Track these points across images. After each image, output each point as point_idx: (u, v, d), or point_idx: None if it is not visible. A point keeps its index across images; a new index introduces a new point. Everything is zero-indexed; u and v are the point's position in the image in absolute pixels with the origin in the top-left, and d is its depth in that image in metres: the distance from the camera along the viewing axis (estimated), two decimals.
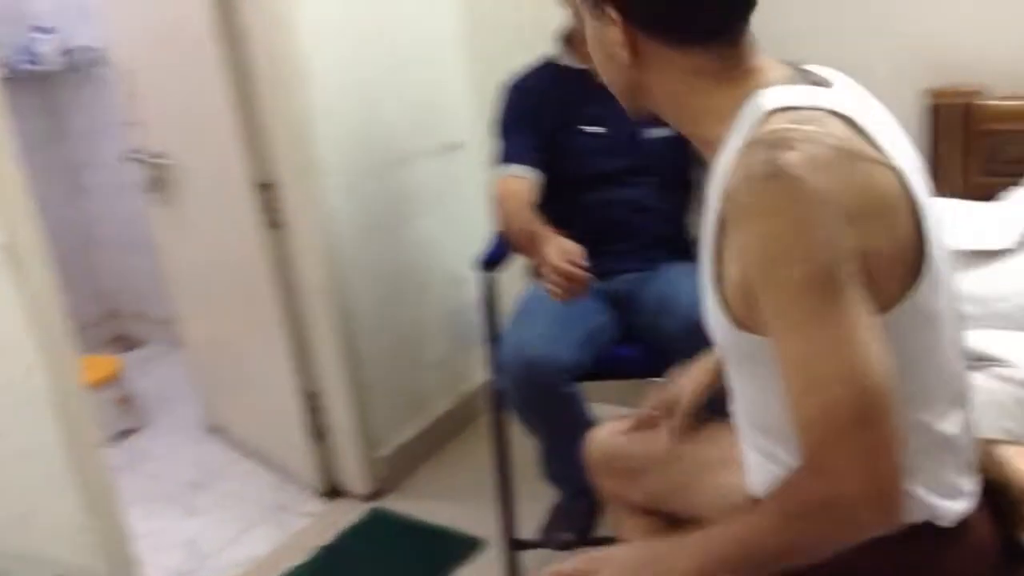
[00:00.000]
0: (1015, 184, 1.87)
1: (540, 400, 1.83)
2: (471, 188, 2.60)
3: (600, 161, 1.96)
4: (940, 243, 0.95)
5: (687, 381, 1.34)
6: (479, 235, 2.66)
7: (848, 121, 0.91)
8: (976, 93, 1.95)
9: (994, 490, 1.04)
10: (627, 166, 1.96)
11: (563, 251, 1.73)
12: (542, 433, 1.93)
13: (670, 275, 1.92)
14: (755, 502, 0.94)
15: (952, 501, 0.99)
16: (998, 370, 1.46)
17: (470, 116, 2.56)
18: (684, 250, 1.98)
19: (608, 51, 1.01)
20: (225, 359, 2.67)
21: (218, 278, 2.50)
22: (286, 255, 2.24)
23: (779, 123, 0.90)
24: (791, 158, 0.85)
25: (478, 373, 2.79)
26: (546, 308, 1.88)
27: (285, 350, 2.31)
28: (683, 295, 1.78)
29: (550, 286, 1.73)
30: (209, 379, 2.81)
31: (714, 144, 0.98)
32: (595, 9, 1.00)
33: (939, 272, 0.93)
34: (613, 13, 0.97)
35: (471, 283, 2.69)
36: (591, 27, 1.03)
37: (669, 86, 1.00)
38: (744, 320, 0.94)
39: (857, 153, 0.89)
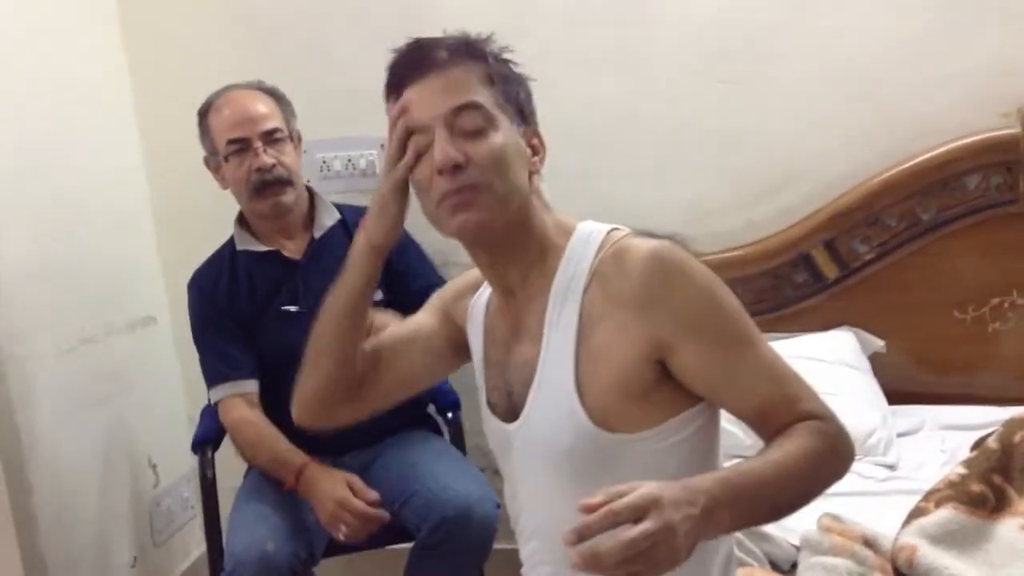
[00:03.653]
0: None
1: None
2: (166, 365, 2.46)
3: (303, 337, 1.87)
4: None
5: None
6: (175, 415, 2.52)
7: None
8: None
9: None
10: None
11: (342, 495, 1.68)
12: None
13: (403, 446, 1.89)
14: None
15: None
16: None
17: (162, 290, 2.46)
18: (413, 416, 1.98)
19: (524, 163, 1.07)
20: None
21: None
22: None
23: (629, 235, 1.05)
24: (669, 245, 1.01)
25: (176, 567, 2.56)
26: (267, 498, 1.79)
27: None
28: (420, 465, 1.81)
29: (343, 528, 1.66)
30: None
31: (546, 265, 1.07)
32: (521, 125, 1.08)
33: None
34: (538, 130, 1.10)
35: (166, 468, 2.51)
36: (514, 134, 1.06)
37: (537, 201, 1.09)
38: (610, 418, 1.00)
39: None
